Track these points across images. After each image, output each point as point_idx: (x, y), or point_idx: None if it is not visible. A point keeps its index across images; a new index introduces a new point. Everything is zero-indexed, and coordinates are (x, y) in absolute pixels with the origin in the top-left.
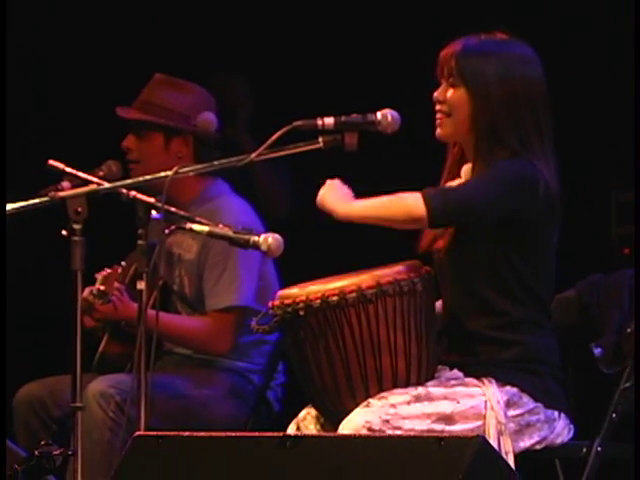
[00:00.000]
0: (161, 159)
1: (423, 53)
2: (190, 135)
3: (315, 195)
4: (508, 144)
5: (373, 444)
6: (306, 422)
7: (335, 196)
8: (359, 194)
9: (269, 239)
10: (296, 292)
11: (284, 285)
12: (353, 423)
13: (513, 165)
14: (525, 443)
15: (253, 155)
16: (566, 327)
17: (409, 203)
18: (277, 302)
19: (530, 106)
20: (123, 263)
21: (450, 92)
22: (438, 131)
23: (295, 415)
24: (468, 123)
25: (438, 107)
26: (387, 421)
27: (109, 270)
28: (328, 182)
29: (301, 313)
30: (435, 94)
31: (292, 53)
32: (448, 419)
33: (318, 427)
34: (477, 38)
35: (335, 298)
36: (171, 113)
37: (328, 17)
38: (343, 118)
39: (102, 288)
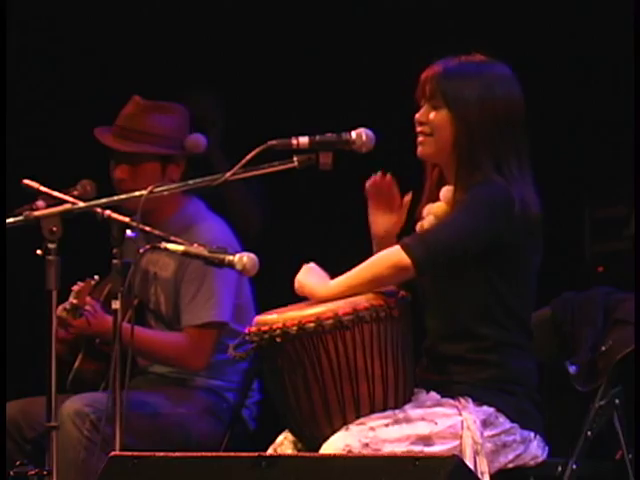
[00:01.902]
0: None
1: (400, 74)
2: (183, 159)
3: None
4: (486, 166)
5: (349, 464)
6: (283, 447)
7: (312, 280)
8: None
9: (244, 258)
10: (273, 318)
11: (259, 303)
12: (333, 446)
13: (487, 190)
14: (500, 462)
15: (228, 174)
16: (540, 345)
17: (392, 259)
18: (254, 328)
19: (509, 127)
20: (96, 277)
21: (433, 114)
22: (420, 149)
23: (270, 433)
24: (450, 145)
25: (420, 129)
26: (366, 444)
27: (82, 284)
28: (304, 266)
29: (278, 340)
30: (417, 116)
31: (266, 71)
32: (426, 440)
33: (295, 452)
34: (457, 60)
35: (312, 325)
36: (164, 140)
37: (302, 36)
38: (317, 137)
39: (74, 302)
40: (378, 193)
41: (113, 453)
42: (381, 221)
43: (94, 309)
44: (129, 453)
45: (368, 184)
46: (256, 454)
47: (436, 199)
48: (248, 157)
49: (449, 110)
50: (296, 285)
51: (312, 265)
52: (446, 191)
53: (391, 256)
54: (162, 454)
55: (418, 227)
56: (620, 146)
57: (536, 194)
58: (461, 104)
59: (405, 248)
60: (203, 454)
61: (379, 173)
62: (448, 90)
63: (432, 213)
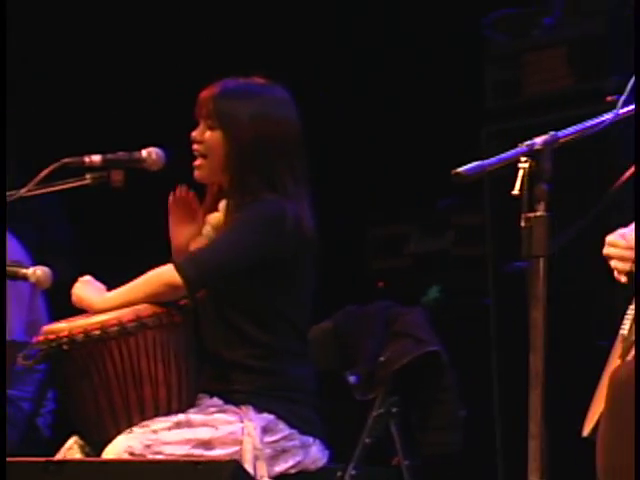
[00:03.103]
0: None
1: (186, 93)
2: None
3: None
4: (259, 186)
5: (132, 468)
6: (72, 451)
7: (89, 292)
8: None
9: (38, 271)
10: (60, 327)
11: (54, 319)
12: (116, 448)
13: (258, 208)
14: (280, 467)
15: (22, 191)
16: (323, 356)
17: (164, 277)
18: (42, 337)
19: (284, 147)
20: None
21: (207, 134)
22: (196, 173)
23: (65, 440)
24: (223, 164)
25: (195, 147)
26: (148, 446)
27: None
28: (80, 279)
29: (65, 347)
30: (193, 134)
31: (56, 88)
32: (207, 444)
33: (83, 456)
34: (235, 81)
35: (97, 332)
36: None
37: (94, 53)
38: (110, 156)
39: None
40: (180, 206)
41: None
42: (182, 233)
43: None
44: None
45: (171, 198)
46: (44, 459)
47: (215, 211)
48: (42, 174)
49: (222, 130)
50: (73, 298)
51: (88, 278)
52: (223, 203)
53: (164, 274)
54: None
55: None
56: (401, 168)
57: (311, 212)
58: (235, 125)
59: (177, 267)
60: None
61: (181, 187)
62: (223, 110)
63: (209, 223)
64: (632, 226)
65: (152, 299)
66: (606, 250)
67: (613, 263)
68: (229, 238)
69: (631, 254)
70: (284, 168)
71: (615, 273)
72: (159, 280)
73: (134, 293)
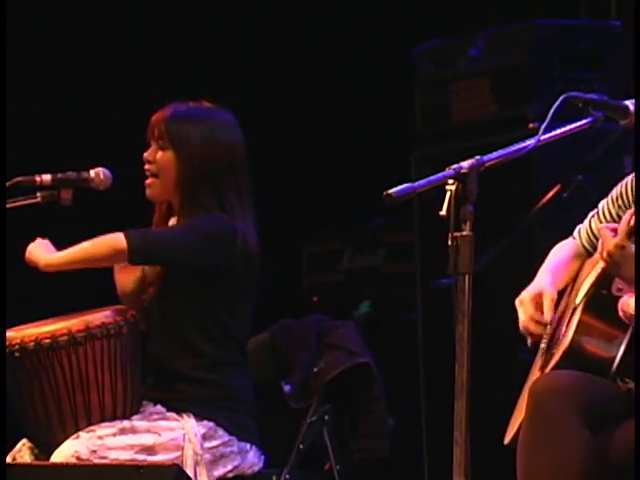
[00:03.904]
0: None
1: (137, 116)
2: None
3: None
4: (208, 202)
5: (78, 472)
6: (22, 453)
7: (38, 251)
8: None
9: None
10: (12, 335)
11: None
12: (63, 453)
13: (210, 220)
14: (219, 472)
15: None
16: (260, 366)
17: (110, 241)
18: None
19: (231, 168)
20: None
21: (159, 154)
22: (147, 192)
23: (13, 446)
24: (174, 183)
25: (147, 167)
26: (94, 451)
27: None
28: (37, 240)
29: (17, 355)
30: (145, 154)
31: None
32: (150, 450)
33: (32, 458)
34: (185, 105)
35: (48, 341)
36: None
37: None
38: (59, 175)
39: None
40: None
41: None
42: (126, 279)
43: None
44: None
45: None
46: None
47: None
48: None
49: (174, 151)
50: (26, 255)
51: (44, 240)
52: (173, 220)
53: (110, 239)
54: None
55: None
56: (336, 188)
57: (255, 229)
58: (186, 146)
59: (126, 235)
60: None
61: None
62: (175, 132)
63: None
64: (547, 265)
65: (94, 261)
66: (517, 304)
67: (521, 318)
68: (181, 230)
69: (535, 328)
70: (231, 186)
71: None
72: (103, 243)
73: (80, 252)
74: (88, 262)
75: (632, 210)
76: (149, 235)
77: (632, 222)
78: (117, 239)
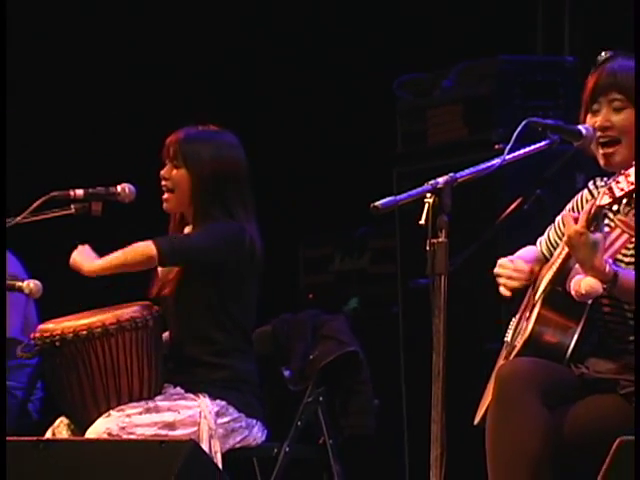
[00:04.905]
0: None
1: (155, 139)
2: None
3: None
4: (218, 213)
5: (108, 446)
6: (60, 429)
7: (81, 257)
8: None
9: (31, 284)
10: (53, 327)
11: (43, 320)
12: (96, 429)
13: (223, 225)
14: (230, 444)
15: (18, 218)
16: (263, 354)
17: (142, 249)
18: (38, 334)
19: (236, 182)
20: None
21: (174, 172)
22: (165, 205)
23: (51, 423)
24: (188, 197)
25: (164, 183)
26: (123, 428)
27: None
28: (78, 247)
29: (57, 344)
30: (162, 172)
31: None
32: (171, 426)
33: (69, 433)
34: (195, 128)
35: (84, 332)
36: None
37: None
38: (90, 190)
39: None
40: None
41: None
42: None
43: None
44: None
45: None
46: (35, 439)
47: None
48: (34, 205)
49: (187, 169)
50: (70, 261)
51: (85, 247)
52: (188, 229)
53: (141, 246)
54: None
55: None
56: (329, 201)
57: (259, 235)
58: (197, 164)
59: (154, 242)
60: None
61: None
62: (187, 153)
63: None
64: (518, 253)
65: (129, 266)
66: (496, 270)
67: (502, 281)
68: (201, 235)
69: (517, 275)
70: (237, 199)
71: (501, 289)
72: (136, 250)
73: (115, 260)
74: (125, 267)
75: (592, 201)
76: (174, 241)
77: (592, 212)
78: (148, 246)
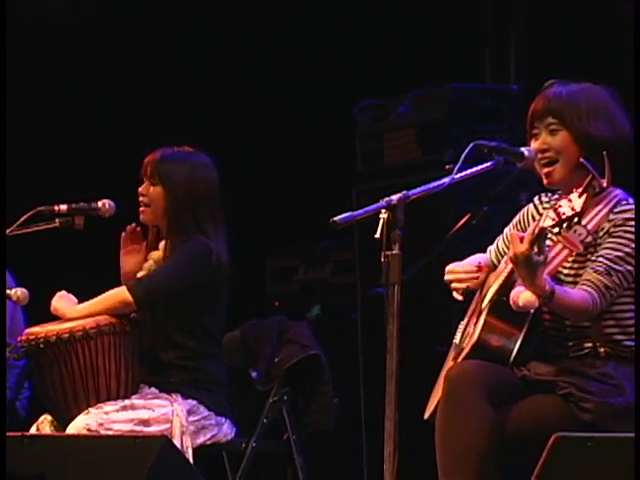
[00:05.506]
0: None
1: (134, 159)
2: None
3: None
4: (190, 228)
5: (87, 441)
6: (43, 425)
7: (64, 303)
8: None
9: (18, 292)
10: (38, 330)
11: (29, 325)
12: (76, 425)
13: (191, 245)
14: (200, 440)
15: (7, 231)
16: (233, 357)
17: (120, 296)
18: (24, 337)
19: (207, 199)
20: None
21: (151, 189)
22: (141, 217)
23: (37, 420)
24: (163, 211)
25: (141, 198)
26: (101, 424)
27: None
28: (57, 294)
29: (41, 346)
30: (140, 189)
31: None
32: (145, 423)
33: (52, 429)
34: (171, 149)
35: (66, 335)
36: None
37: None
38: (73, 205)
39: None
40: (130, 239)
41: None
42: (130, 261)
43: None
44: None
45: (124, 233)
46: (21, 434)
47: (155, 249)
48: (22, 219)
49: (162, 186)
50: (52, 308)
51: (63, 292)
52: (163, 243)
53: (119, 294)
54: None
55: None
56: (293, 216)
57: (227, 248)
58: (172, 183)
59: (129, 289)
60: None
61: (132, 225)
62: (162, 172)
63: (152, 258)
64: (467, 260)
65: (110, 312)
66: (446, 277)
67: (453, 285)
68: (169, 268)
69: (466, 276)
70: (208, 215)
71: (453, 293)
72: (116, 298)
73: (96, 306)
74: (105, 312)
75: (537, 222)
76: (146, 283)
77: (535, 233)
78: (124, 294)
